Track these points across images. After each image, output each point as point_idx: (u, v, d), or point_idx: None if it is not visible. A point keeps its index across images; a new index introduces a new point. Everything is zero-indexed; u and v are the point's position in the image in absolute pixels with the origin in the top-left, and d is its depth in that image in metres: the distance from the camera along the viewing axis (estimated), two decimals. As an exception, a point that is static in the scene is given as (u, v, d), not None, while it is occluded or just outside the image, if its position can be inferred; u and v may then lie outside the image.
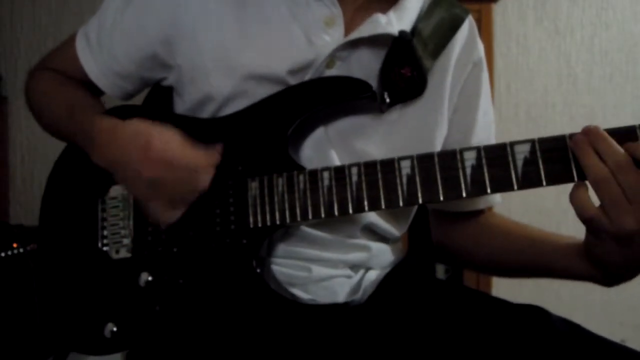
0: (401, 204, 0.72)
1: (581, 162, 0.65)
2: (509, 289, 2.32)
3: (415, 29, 0.82)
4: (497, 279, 2.31)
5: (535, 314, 0.77)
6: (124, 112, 0.89)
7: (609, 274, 0.74)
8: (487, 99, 0.93)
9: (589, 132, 0.65)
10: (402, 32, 0.80)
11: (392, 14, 0.81)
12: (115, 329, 0.81)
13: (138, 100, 0.98)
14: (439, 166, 0.70)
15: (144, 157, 0.74)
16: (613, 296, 2.37)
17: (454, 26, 0.86)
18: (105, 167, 0.80)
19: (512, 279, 0.92)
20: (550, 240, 0.83)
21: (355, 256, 0.86)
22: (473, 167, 0.69)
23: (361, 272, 0.88)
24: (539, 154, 0.67)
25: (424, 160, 0.71)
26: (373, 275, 0.89)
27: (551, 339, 0.73)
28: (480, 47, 0.91)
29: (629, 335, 1.98)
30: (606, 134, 0.65)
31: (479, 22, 2.20)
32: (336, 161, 0.80)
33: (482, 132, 0.92)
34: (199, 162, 0.75)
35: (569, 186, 0.67)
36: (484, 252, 0.92)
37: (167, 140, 0.74)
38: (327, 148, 0.81)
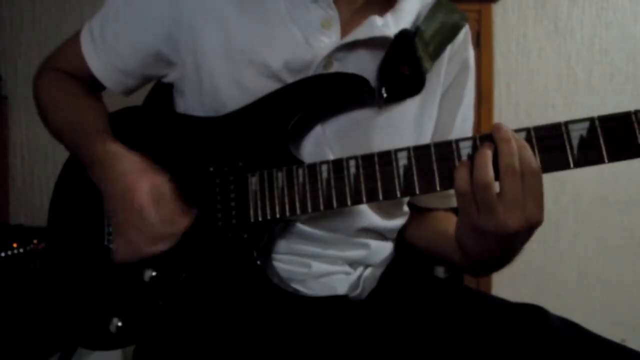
0: (399, 194, 0.72)
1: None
2: (509, 289, 2.33)
3: (418, 29, 0.82)
4: (497, 279, 2.32)
5: (533, 313, 0.77)
6: (127, 115, 0.91)
7: (470, 262, 0.77)
8: (468, 106, 0.93)
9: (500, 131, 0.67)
10: (403, 30, 0.81)
11: (389, 16, 0.82)
12: (120, 324, 0.83)
13: (139, 95, 0.99)
14: (435, 156, 0.71)
15: (129, 208, 0.79)
16: (613, 296, 2.37)
17: (453, 31, 0.87)
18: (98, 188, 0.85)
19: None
20: (449, 234, 0.84)
21: (355, 253, 0.87)
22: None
23: (360, 269, 0.89)
24: (534, 141, 0.66)
25: (420, 151, 0.71)
26: (372, 273, 0.90)
27: (548, 338, 0.73)
28: (471, 53, 0.92)
29: (629, 335, 1.98)
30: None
31: (479, 22, 2.20)
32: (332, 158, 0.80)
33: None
34: (165, 230, 0.79)
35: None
36: (422, 244, 0.97)
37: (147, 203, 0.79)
38: (324, 145, 0.82)
